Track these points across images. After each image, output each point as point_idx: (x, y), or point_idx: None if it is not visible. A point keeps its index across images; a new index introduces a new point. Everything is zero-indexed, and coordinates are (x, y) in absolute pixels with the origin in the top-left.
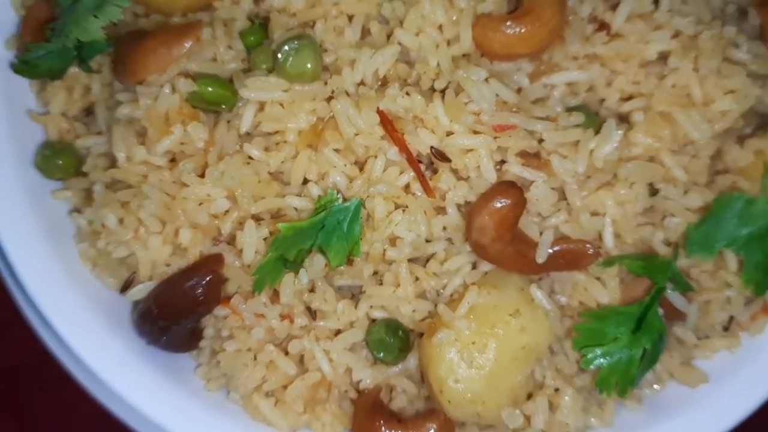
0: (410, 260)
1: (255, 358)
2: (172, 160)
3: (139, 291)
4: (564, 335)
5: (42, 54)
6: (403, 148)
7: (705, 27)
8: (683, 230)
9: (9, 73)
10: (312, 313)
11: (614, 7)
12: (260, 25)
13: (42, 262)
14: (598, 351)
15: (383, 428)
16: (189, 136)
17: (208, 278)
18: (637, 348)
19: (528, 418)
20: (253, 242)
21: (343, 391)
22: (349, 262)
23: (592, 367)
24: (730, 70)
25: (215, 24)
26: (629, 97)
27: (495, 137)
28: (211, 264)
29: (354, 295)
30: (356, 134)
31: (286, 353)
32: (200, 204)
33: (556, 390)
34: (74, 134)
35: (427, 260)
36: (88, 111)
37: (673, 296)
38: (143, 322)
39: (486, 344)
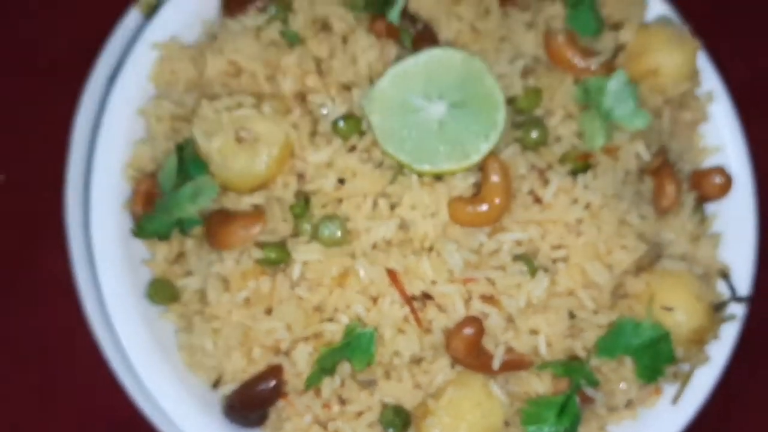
0: (409, 362)
1: None
2: (247, 299)
3: (226, 389)
4: (514, 413)
5: (151, 223)
6: (403, 294)
7: (608, 200)
8: (594, 341)
9: (127, 232)
10: (342, 401)
11: (545, 183)
12: (304, 200)
13: (156, 365)
14: (534, 428)
15: None
16: (259, 287)
17: (273, 383)
18: (560, 426)
19: None
20: (303, 357)
21: None
22: (368, 365)
23: None
24: (625, 231)
25: (272, 203)
26: (558, 246)
27: (464, 285)
28: (274, 372)
29: (371, 387)
30: (371, 283)
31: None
32: (267, 333)
33: None
34: (172, 273)
35: (420, 361)
36: (180, 254)
37: (587, 388)
38: (229, 411)
39: (458, 426)
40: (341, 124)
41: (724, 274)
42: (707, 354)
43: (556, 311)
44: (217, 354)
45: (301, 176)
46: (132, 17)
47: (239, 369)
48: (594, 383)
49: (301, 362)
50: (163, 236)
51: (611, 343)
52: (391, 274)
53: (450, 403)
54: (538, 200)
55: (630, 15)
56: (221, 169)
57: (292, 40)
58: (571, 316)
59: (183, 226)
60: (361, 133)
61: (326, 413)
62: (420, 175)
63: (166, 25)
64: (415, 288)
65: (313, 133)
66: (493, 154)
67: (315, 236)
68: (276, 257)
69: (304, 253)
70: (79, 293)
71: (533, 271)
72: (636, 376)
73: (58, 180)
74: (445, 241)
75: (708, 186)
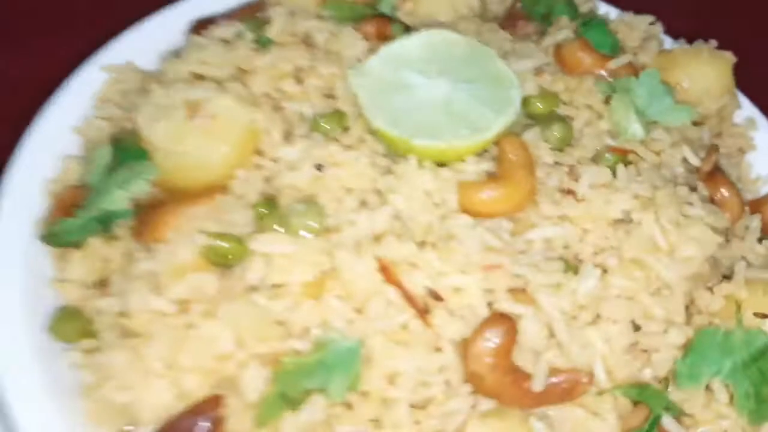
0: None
1: None
2: (183, 303)
3: None
4: None
5: (66, 227)
6: (400, 288)
7: (660, 189)
8: (670, 367)
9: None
10: None
11: (576, 179)
12: (269, 198)
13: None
14: None
15: None
16: (201, 284)
17: (207, 422)
18: None
19: None
20: (257, 383)
21: None
22: (348, 406)
23: None
24: (689, 221)
25: (230, 197)
26: (603, 249)
27: (485, 274)
28: (212, 404)
29: None
30: (356, 281)
31: None
32: (207, 343)
33: None
34: (88, 303)
35: (427, 405)
36: (102, 283)
37: (671, 425)
38: None
39: None
40: (322, 120)
41: None
42: None
43: (612, 321)
44: (134, 385)
45: (269, 181)
46: None
47: (162, 405)
48: (680, 413)
49: (253, 390)
50: (80, 239)
51: (694, 364)
52: (384, 267)
53: None
54: (570, 192)
55: (646, 46)
56: (167, 159)
57: (265, 44)
58: (636, 327)
59: (107, 221)
60: (346, 129)
61: None
62: (420, 159)
63: (123, 50)
64: (416, 283)
65: (288, 135)
66: (510, 132)
67: (283, 227)
68: (227, 248)
69: (268, 242)
70: None
71: (575, 271)
72: (737, 410)
73: None
74: (457, 216)
75: None
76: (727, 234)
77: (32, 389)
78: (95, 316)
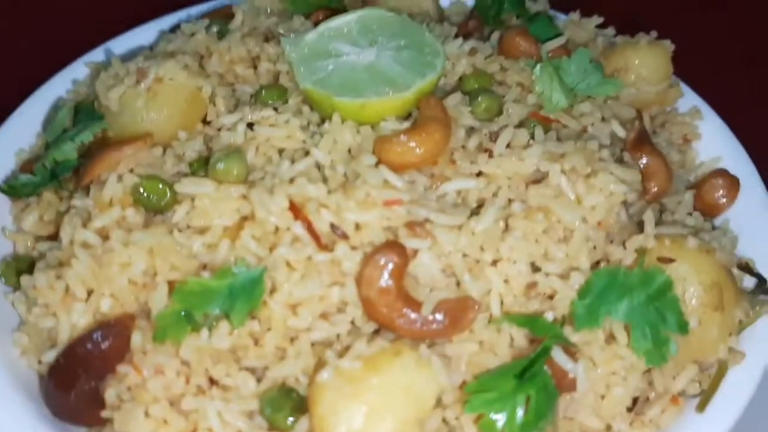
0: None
1: (147, 414)
2: (105, 232)
3: (54, 354)
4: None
5: (24, 179)
6: (304, 219)
7: (574, 147)
8: (569, 311)
9: None
10: (213, 382)
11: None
12: (206, 158)
13: None
14: (480, 401)
15: None
16: (126, 219)
17: (108, 340)
18: (521, 393)
19: None
20: (162, 301)
21: None
22: (256, 342)
23: (476, 411)
24: (597, 172)
25: (168, 154)
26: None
27: (384, 213)
28: (122, 320)
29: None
30: (268, 217)
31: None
32: (120, 268)
33: None
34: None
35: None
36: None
37: (560, 358)
38: (48, 389)
39: (368, 383)
40: (263, 92)
41: (748, 267)
42: (739, 350)
43: (513, 261)
44: (56, 308)
45: (208, 146)
46: None
47: (81, 327)
48: (569, 344)
49: (158, 306)
50: (34, 191)
51: (592, 305)
52: (294, 204)
53: (358, 357)
54: (486, 150)
55: (592, 43)
56: (117, 120)
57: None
58: (535, 268)
59: (57, 172)
60: (286, 102)
61: (182, 385)
62: (343, 119)
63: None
64: (324, 221)
65: (234, 108)
66: (431, 93)
67: (208, 173)
68: (155, 188)
69: (192, 184)
70: None
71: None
72: (634, 350)
73: None
74: (361, 155)
75: (712, 190)
76: (657, 200)
77: None
78: (39, 259)
